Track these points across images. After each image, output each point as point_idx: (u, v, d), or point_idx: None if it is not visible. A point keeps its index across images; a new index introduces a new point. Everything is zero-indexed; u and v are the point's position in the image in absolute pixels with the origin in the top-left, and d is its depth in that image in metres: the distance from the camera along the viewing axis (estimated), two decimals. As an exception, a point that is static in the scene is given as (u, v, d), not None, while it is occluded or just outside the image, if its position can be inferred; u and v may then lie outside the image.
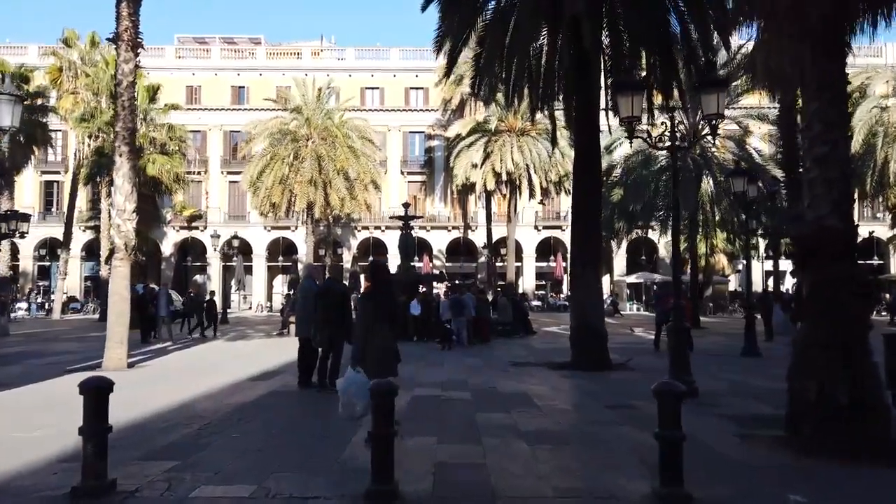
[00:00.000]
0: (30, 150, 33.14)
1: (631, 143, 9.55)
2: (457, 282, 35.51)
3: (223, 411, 7.82)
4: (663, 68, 12.27)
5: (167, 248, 44.09)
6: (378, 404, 4.37)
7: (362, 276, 37.88)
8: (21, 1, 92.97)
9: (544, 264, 45.58)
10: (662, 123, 10.68)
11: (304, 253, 37.00)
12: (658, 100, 13.76)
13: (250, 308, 43.63)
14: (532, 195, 36.34)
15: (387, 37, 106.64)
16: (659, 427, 4.35)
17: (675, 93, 12.87)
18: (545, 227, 44.96)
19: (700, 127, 16.68)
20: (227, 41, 50.05)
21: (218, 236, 34.58)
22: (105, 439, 4.33)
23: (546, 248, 45.45)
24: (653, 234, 35.28)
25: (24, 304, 39.87)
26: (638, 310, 41.66)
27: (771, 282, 28.83)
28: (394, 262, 42.95)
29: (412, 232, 24.49)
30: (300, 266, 38.49)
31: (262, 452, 5.84)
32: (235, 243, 32.79)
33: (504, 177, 32.66)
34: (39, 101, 32.83)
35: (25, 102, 31.98)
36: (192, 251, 44.69)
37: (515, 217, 35.63)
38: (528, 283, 43.71)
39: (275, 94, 38.49)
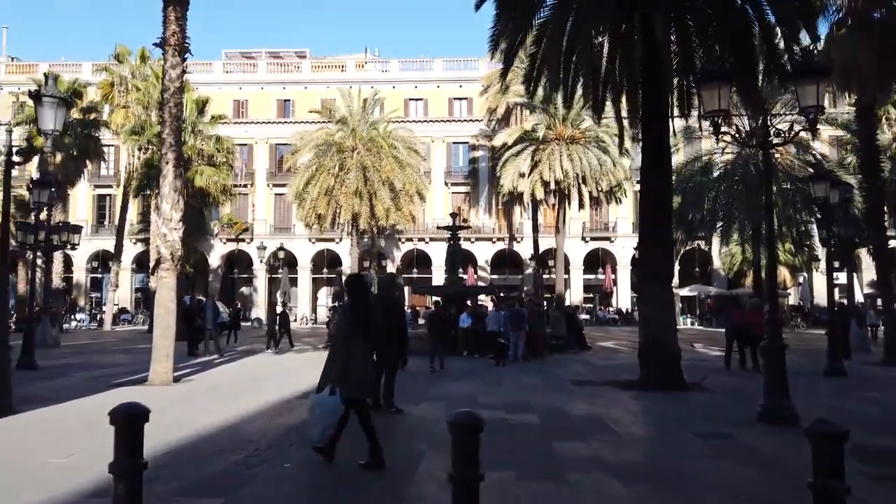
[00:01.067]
0: (82, 164, 33.77)
1: (718, 139, 8.59)
2: (501, 294, 34.68)
3: (272, 434, 7.18)
4: (739, 60, 11.25)
5: (214, 260, 44.40)
6: (461, 442, 3.60)
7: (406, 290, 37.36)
8: (78, 21, 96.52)
9: (592, 276, 44.31)
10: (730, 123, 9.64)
11: (349, 265, 36.67)
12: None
13: (295, 320, 43.49)
14: (581, 205, 35.28)
15: (430, 48, 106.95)
16: (814, 475, 3.47)
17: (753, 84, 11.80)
18: (593, 239, 43.74)
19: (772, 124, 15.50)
20: (272, 55, 50.57)
21: (264, 248, 34.55)
22: (139, 477, 3.68)
23: (594, 260, 44.19)
24: (705, 244, 33.85)
25: (79, 316, 40.67)
26: (692, 324, 39.99)
27: (837, 294, 27.09)
28: (438, 274, 42.67)
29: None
30: (345, 278, 38.17)
31: (316, 489, 5.14)
32: (281, 255, 32.68)
33: (553, 186, 31.71)
34: (92, 116, 33.45)
35: (78, 117, 33.00)
36: (238, 263, 44.91)
37: (564, 228, 34.60)
38: (575, 295, 42.49)
39: (320, 106, 38.47)
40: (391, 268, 43.83)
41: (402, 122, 38.84)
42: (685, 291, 40.99)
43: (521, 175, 32.57)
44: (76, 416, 8.33)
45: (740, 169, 23.43)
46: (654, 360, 11.40)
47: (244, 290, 46.03)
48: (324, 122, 35.73)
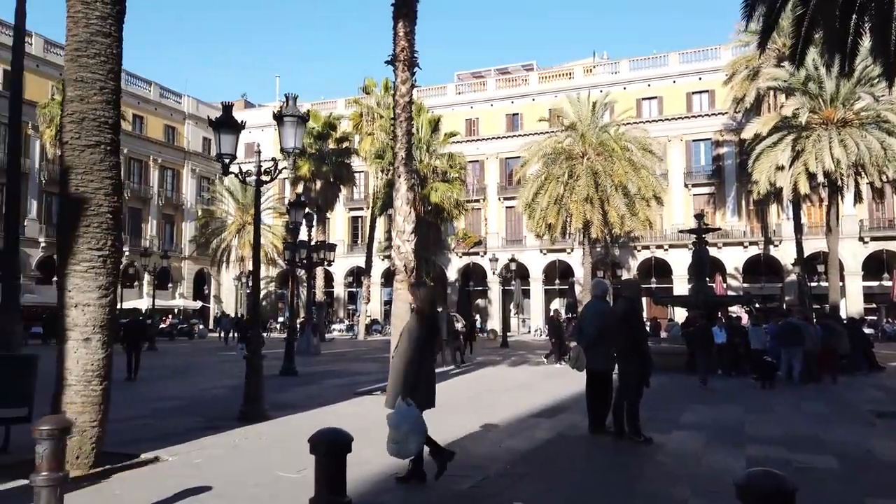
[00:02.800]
0: (338, 189, 37.43)
1: None
2: (756, 305, 30.49)
3: (501, 459, 6.45)
4: None
5: (452, 273, 46.22)
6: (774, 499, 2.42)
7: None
8: (339, 61, 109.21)
9: (874, 283, 37.19)
10: None
11: (581, 276, 35.39)
12: None
13: (529, 332, 43.36)
14: (858, 199, 29.74)
15: (661, 43, 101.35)
16: None
17: None
18: (874, 239, 36.70)
19: None
20: (501, 72, 51.59)
21: (496, 260, 34.84)
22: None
23: (876, 265, 37.05)
24: None
25: (337, 326, 45.24)
26: None
27: None
28: (679, 283, 39.28)
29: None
30: (577, 288, 36.94)
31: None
32: (513, 267, 32.61)
33: (820, 178, 27.05)
34: (344, 145, 36.95)
35: (333, 147, 36.67)
36: (474, 276, 46.19)
37: (836, 227, 29.37)
38: (852, 306, 35.95)
39: (547, 116, 38.00)
40: (627, 277, 41.46)
41: (634, 123, 36.64)
42: None
43: (779, 168, 28.38)
44: (318, 426, 8.48)
45: None
46: None
47: (479, 301, 47.17)
48: (552, 131, 35.12)
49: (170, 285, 46.10)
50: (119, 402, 11.02)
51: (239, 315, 39.68)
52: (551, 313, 25.65)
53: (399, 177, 12.33)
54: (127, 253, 40.65)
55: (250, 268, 45.71)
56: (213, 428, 8.13)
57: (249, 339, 9.21)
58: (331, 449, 3.10)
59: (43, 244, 36.51)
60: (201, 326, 42.19)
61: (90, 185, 5.88)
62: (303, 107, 46.92)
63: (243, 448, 6.92)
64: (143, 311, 28.32)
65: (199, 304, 47.35)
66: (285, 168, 9.04)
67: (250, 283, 49.31)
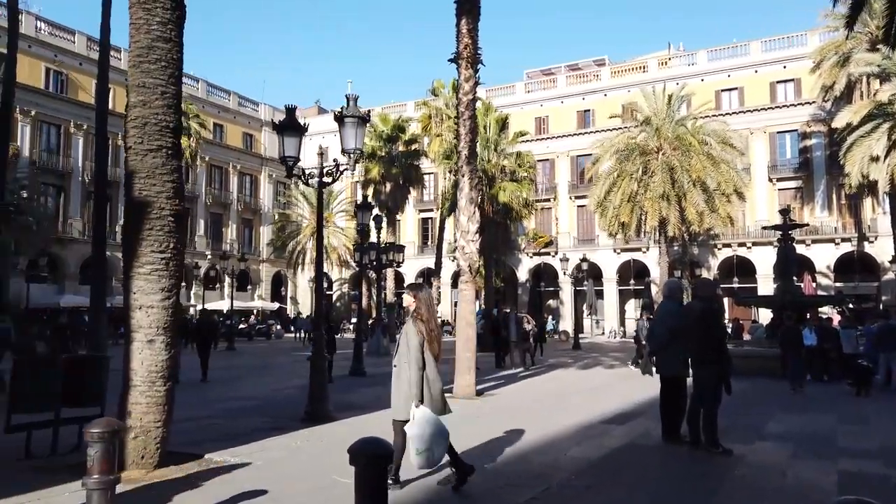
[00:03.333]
0: (407, 191, 37.67)
1: None
2: (850, 305, 28.45)
3: (567, 469, 6.13)
4: None
5: (523, 274, 45.70)
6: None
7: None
8: (408, 67, 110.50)
9: None
10: None
11: (657, 275, 34.12)
12: None
13: (603, 333, 42.31)
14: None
15: (740, 33, 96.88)
16: None
17: None
18: None
19: None
20: (571, 68, 50.60)
21: (567, 260, 34.15)
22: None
23: None
24: None
25: (408, 327, 45.53)
26: None
27: None
28: (764, 283, 37.20)
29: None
30: (653, 289, 35.67)
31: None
32: (584, 266, 31.85)
33: (921, 168, 25.00)
34: (413, 147, 37.17)
35: (403, 150, 36.95)
36: (545, 276, 45.50)
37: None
38: (962, 307, 33.04)
39: (619, 112, 36.93)
40: (702, 277, 39.69)
41: (713, 115, 35.05)
42: None
43: (873, 159, 26.42)
44: (381, 429, 8.38)
45: None
46: None
47: (551, 302, 46.42)
48: (625, 126, 34.07)
49: (249, 287, 47.78)
50: (191, 401, 11.36)
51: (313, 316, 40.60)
52: (637, 317, 24.78)
53: (463, 176, 12.15)
54: (209, 256, 42.52)
55: (325, 269, 47.01)
56: (277, 429, 8.18)
57: (314, 340, 9.24)
58: (371, 460, 2.93)
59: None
60: (278, 327, 43.45)
61: (152, 188, 5.99)
62: (374, 111, 47.82)
63: (304, 450, 6.90)
64: (208, 311, 28.52)
65: (276, 305, 48.86)
66: (347, 169, 9.01)
67: (324, 285, 50.52)
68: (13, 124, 34.01)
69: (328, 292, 52.08)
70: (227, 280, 39.66)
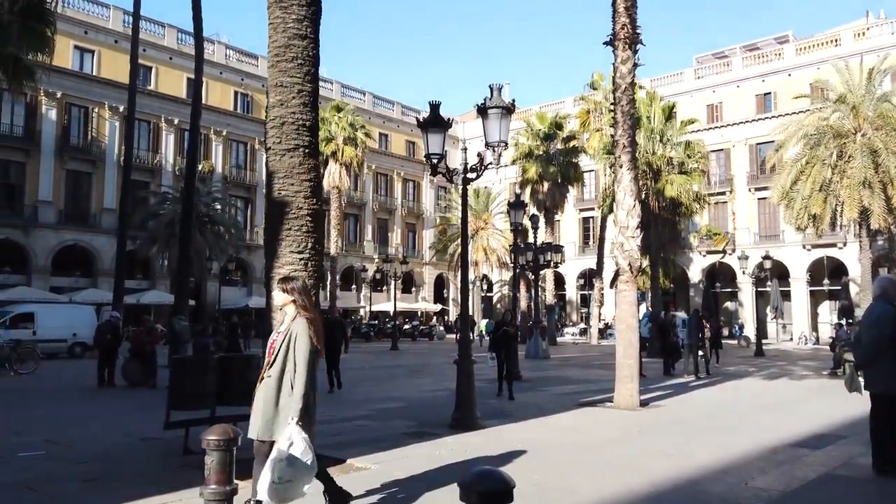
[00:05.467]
0: (566, 190, 36.52)
1: None
2: None
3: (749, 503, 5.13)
4: None
5: (695, 273, 42.51)
6: None
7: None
8: (570, 64, 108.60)
9: None
10: None
11: (858, 274, 29.80)
12: None
13: (790, 339, 38.00)
14: None
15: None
16: None
17: None
18: None
19: None
20: (748, 49, 46.22)
21: (746, 258, 31.05)
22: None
23: None
24: None
25: (570, 329, 44.42)
26: None
27: None
28: None
29: None
30: (852, 289, 31.29)
31: None
32: (767, 265, 28.71)
33: None
34: (572, 144, 35.97)
35: (560, 147, 35.90)
36: (721, 276, 41.90)
37: None
38: None
39: (807, 92, 32.87)
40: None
41: (926, 87, 29.96)
42: None
43: None
44: (531, 440, 7.79)
45: None
46: None
47: (728, 304, 42.65)
48: (814, 107, 30.20)
49: (413, 289, 49.35)
50: (348, 400, 11.56)
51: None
52: (833, 321, 21.81)
53: (621, 167, 11.18)
54: (375, 260, 44.49)
55: (484, 271, 47.23)
56: (423, 435, 7.93)
57: (460, 342, 8.88)
58: (484, 499, 2.39)
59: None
60: (441, 328, 44.36)
61: (290, 188, 5.94)
62: (531, 110, 47.26)
63: (445, 461, 6.52)
64: (333, 311, 28.51)
65: (438, 306, 49.98)
66: (491, 164, 8.55)
67: (484, 287, 50.71)
68: (209, 143, 38.36)
69: (488, 294, 52.29)
70: (392, 283, 41.23)
